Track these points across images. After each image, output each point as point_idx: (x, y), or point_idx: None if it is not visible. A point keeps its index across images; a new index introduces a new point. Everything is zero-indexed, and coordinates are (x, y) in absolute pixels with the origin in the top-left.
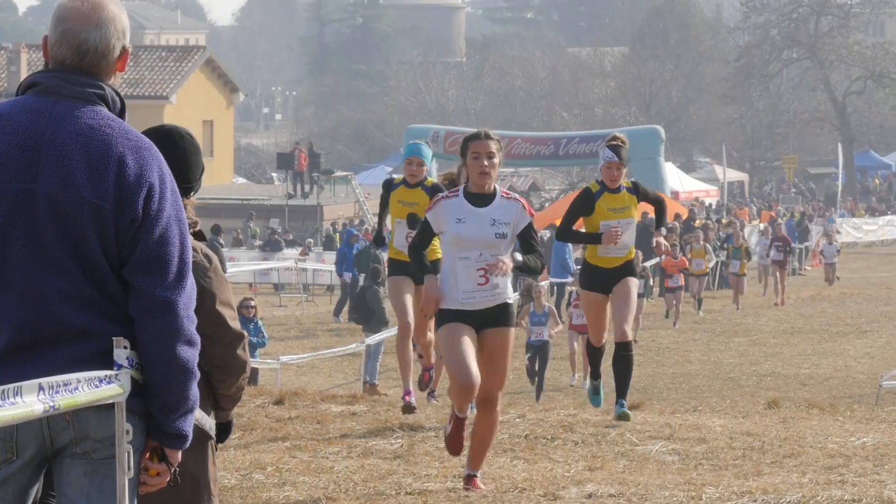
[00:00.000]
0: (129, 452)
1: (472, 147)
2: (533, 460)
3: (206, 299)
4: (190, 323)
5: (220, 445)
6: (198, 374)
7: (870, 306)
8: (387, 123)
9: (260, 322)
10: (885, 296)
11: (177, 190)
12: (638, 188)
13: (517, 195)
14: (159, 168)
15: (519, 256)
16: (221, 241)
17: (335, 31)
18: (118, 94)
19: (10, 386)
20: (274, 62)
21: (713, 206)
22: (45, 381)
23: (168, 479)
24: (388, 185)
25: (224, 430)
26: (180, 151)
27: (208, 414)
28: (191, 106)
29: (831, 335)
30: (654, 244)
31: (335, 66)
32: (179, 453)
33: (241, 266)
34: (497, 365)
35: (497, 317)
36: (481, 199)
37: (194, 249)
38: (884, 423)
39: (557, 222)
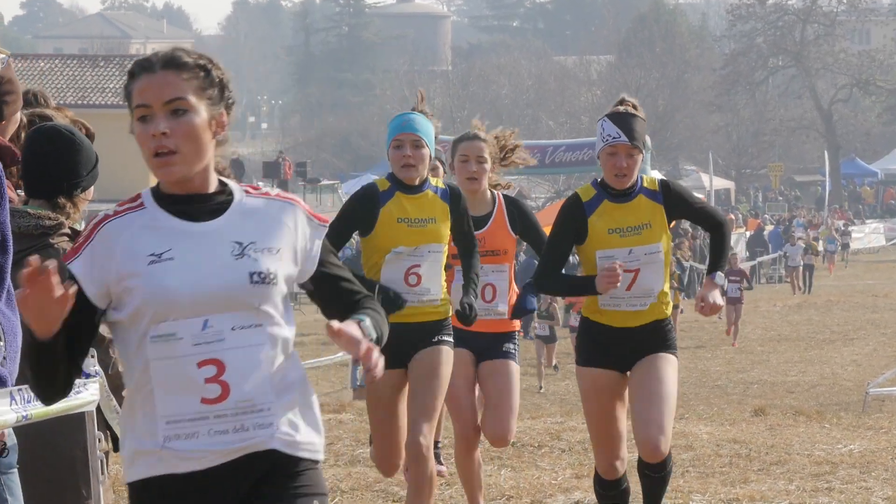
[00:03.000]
0: (101, 461)
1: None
2: (520, 468)
3: None
4: None
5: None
6: None
7: (856, 314)
8: (372, 132)
9: None
10: (872, 303)
11: None
12: (669, 191)
13: (288, 194)
14: None
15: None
16: None
17: (321, 40)
18: None
19: None
20: (260, 71)
21: None
22: (16, 390)
23: None
24: (373, 195)
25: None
26: (53, 149)
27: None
28: None
29: (818, 343)
30: (701, 300)
31: (321, 75)
32: None
33: None
34: None
35: None
36: (195, 204)
37: (56, 251)
38: (870, 430)
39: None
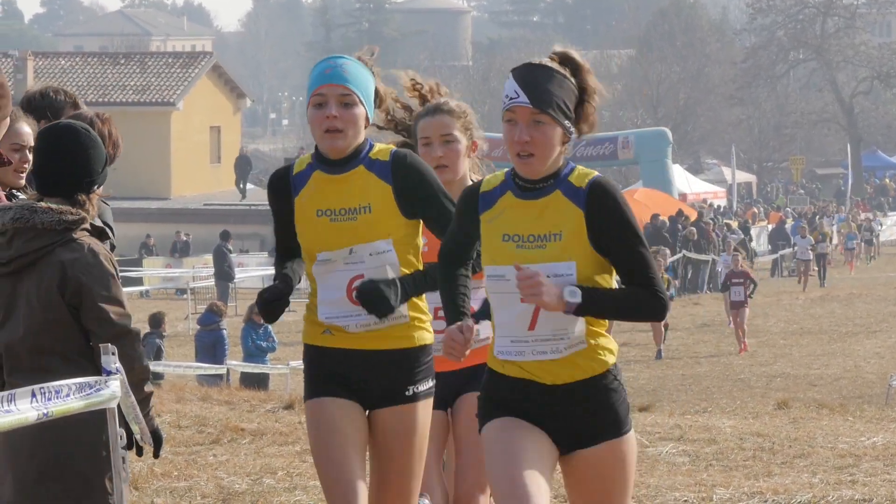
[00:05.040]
0: (123, 457)
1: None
2: None
3: (85, 296)
4: None
5: (158, 455)
6: None
7: (879, 306)
8: None
9: (269, 327)
10: (894, 296)
11: None
12: (599, 195)
13: None
14: None
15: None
16: (230, 246)
17: (341, 35)
18: None
19: (4, 393)
20: (280, 67)
21: (721, 209)
22: (37, 387)
23: None
24: (282, 180)
25: (154, 439)
26: (72, 147)
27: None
28: (198, 112)
29: (840, 335)
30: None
31: None
32: None
33: (249, 271)
34: None
35: None
36: None
37: (80, 245)
38: (894, 422)
39: None
